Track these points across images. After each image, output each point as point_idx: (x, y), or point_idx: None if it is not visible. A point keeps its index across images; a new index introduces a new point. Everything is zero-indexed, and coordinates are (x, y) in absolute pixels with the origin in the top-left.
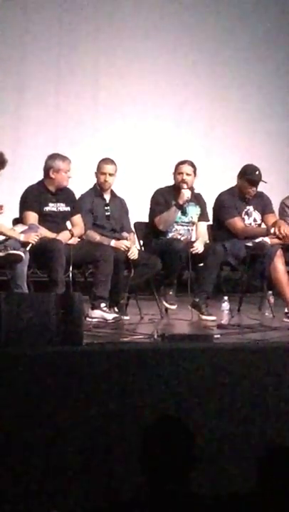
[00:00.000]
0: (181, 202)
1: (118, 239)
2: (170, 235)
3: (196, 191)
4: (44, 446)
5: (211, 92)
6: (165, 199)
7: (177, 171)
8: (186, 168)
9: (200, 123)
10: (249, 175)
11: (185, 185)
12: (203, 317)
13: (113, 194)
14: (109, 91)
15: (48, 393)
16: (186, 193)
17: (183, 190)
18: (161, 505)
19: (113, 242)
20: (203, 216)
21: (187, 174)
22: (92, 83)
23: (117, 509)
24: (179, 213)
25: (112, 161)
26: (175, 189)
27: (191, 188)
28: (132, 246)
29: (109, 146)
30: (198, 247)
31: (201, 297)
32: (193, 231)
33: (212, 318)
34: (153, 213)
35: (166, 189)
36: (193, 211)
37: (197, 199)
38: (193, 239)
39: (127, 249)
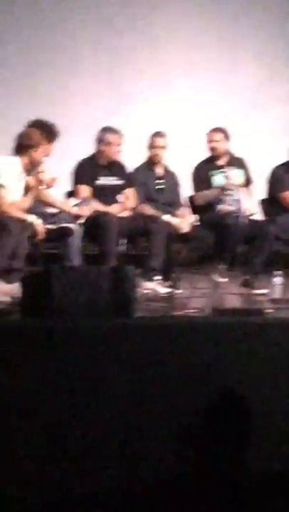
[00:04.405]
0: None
1: (172, 213)
2: (218, 207)
3: (237, 156)
4: (92, 418)
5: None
6: (202, 175)
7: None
8: (216, 136)
9: (247, 96)
10: None
11: (226, 170)
12: (255, 291)
13: (165, 168)
14: (164, 64)
15: (98, 366)
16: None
17: (224, 175)
18: (211, 480)
19: (166, 216)
20: (248, 179)
21: (216, 141)
22: (147, 56)
23: (165, 486)
24: (223, 179)
25: (163, 135)
26: (211, 159)
27: (228, 153)
28: (184, 221)
29: (162, 120)
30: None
31: (251, 275)
32: (240, 196)
33: (264, 292)
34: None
35: (202, 163)
36: (238, 174)
37: (239, 163)
38: (241, 205)
39: (177, 227)
